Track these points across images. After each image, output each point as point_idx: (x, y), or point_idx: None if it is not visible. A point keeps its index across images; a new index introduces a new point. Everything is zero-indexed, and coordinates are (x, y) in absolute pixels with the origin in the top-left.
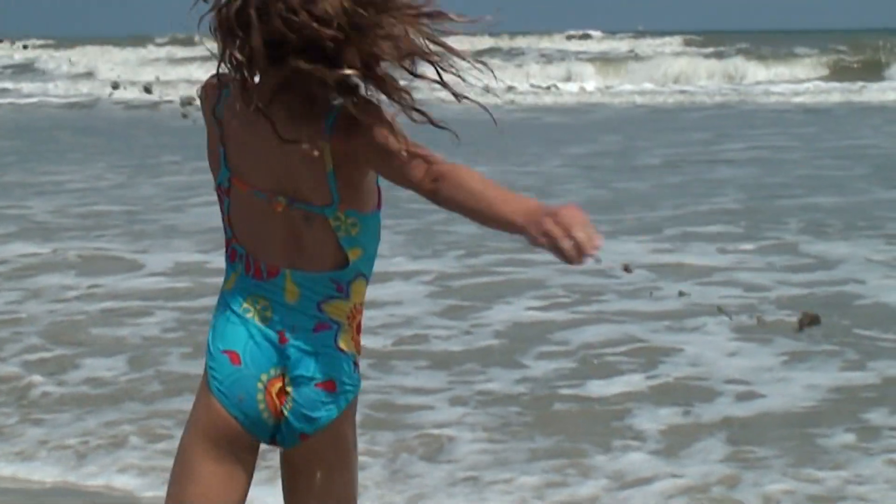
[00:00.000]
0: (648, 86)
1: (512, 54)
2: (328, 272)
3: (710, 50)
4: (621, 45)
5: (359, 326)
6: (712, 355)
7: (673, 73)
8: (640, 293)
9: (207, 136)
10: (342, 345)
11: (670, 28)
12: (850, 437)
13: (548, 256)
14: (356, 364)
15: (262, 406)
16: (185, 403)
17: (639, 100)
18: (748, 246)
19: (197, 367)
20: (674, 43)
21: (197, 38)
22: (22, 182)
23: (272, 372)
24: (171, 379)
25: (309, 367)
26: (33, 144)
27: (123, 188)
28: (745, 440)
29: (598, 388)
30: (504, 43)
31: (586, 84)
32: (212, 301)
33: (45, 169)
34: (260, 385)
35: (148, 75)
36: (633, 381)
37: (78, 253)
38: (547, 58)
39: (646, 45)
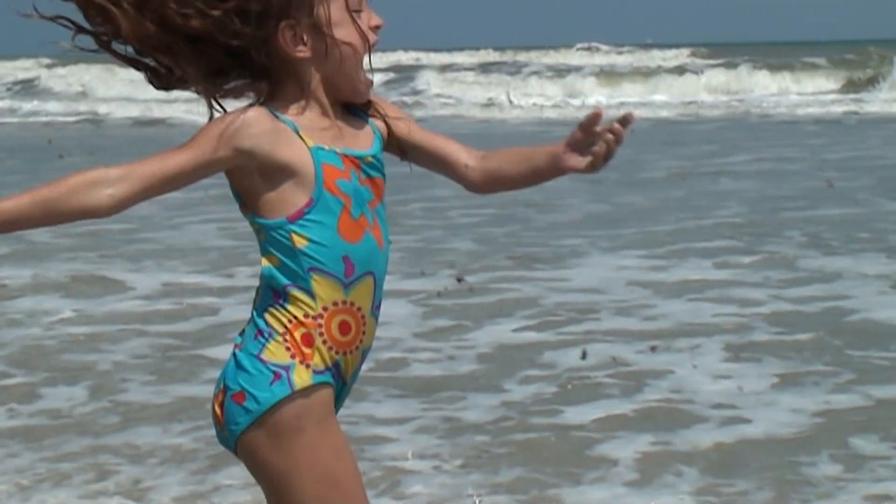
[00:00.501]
0: (656, 98)
1: (517, 68)
2: (264, 279)
3: (718, 61)
4: (629, 58)
5: (305, 338)
6: (699, 378)
7: (680, 85)
8: (634, 311)
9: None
10: (267, 355)
11: (678, 40)
12: (835, 468)
13: (545, 273)
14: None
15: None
16: (135, 437)
17: (646, 113)
18: (746, 260)
19: (157, 397)
20: (681, 55)
21: None
22: None
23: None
24: (128, 410)
25: (222, 376)
26: (37, 162)
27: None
28: (724, 470)
29: (575, 414)
30: (509, 57)
31: (594, 97)
32: (190, 324)
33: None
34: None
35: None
36: (614, 407)
37: (66, 275)
38: (554, 71)
39: (653, 57)
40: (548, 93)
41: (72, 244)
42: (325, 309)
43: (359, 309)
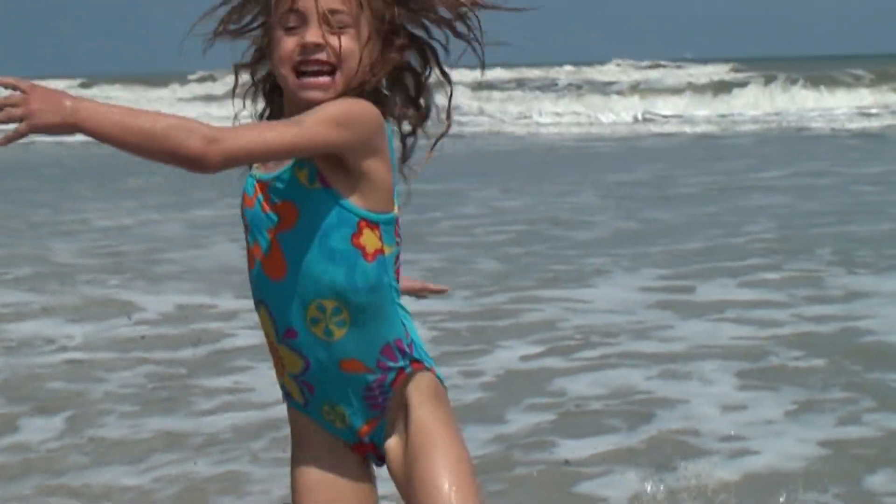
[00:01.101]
0: (693, 113)
1: (553, 83)
2: None
3: (757, 75)
4: (666, 72)
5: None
6: (709, 407)
7: (718, 99)
8: (651, 333)
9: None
10: None
11: (717, 55)
12: None
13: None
14: None
15: None
16: (97, 476)
17: (684, 128)
18: (772, 278)
19: (133, 432)
20: (720, 70)
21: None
22: (51, 221)
23: None
24: (98, 447)
25: None
26: (68, 182)
27: (150, 226)
28: None
29: (575, 446)
30: (546, 73)
31: (633, 113)
32: (194, 352)
33: (76, 207)
34: None
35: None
36: (616, 439)
37: (80, 297)
38: (591, 86)
39: (692, 72)
40: (580, 109)
41: (95, 265)
42: None
43: (267, 336)
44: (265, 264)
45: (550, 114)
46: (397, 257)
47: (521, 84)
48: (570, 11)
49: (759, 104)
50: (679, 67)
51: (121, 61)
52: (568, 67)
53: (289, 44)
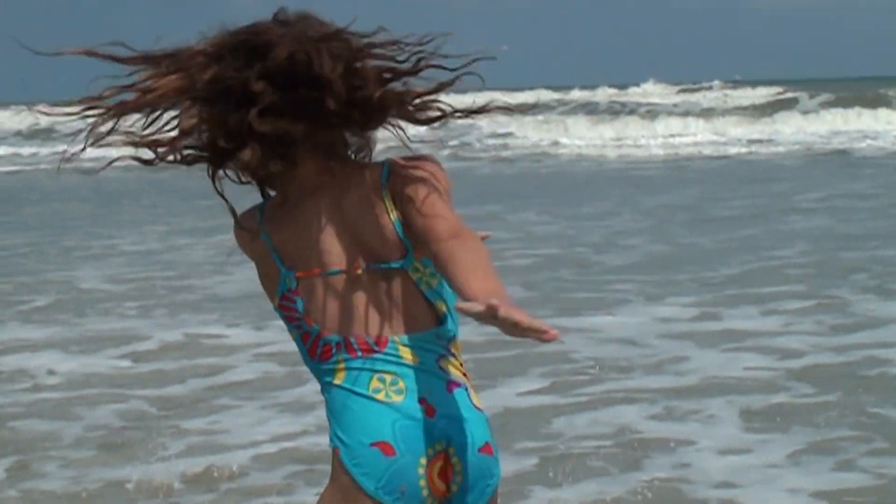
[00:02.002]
0: (741, 135)
1: (597, 106)
2: (431, 329)
3: (804, 97)
4: (715, 94)
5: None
6: (707, 450)
7: (764, 121)
8: (664, 366)
9: (258, 267)
10: (477, 403)
11: (768, 77)
12: None
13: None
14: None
15: (425, 493)
16: None
17: (730, 150)
18: (799, 305)
19: (73, 484)
20: (769, 92)
21: None
22: (82, 245)
23: (430, 452)
24: (36, 499)
25: (466, 434)
26: (101, 206)
27: (178, 251)
28: None
29: (557, 494)
30: (590, 96)
31: (677, 135)
32: (183, 388)
33: (108, 231)
34: (420, 470)
35: None
36: (602, 487)
37: (85, 330)
38: (637, 108)
39: (740, 95)
40: (622, 131)
41: (118, 292)
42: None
43: None
44: None
45: (591, 136)
46: (304, 336)
47: (563, 104)
48: (611, 33)
49: (806, 125)
50: (733, 88)
51: None
52: (611, 90)
53: None
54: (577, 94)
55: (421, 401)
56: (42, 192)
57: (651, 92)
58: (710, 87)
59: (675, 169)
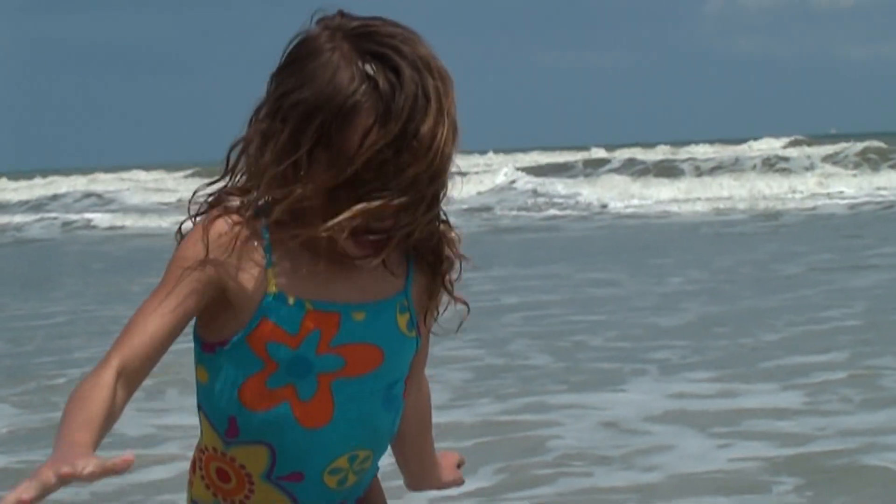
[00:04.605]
0: (840, 189)
1: (682, 163)
2: None
3: None
4: (808, 150)
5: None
6: None
7: (859, 175)
8: (644, 456)
9: None
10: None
11: (864, 130)
12: None
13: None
14: None
15: None
16: None
17: (820, 203)
18: (826, 378)
19: None
20: (857, 147)
21: None
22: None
23: None
24: None
25: None
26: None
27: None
28: None
29: None
30: (674, 152)
31: (766, 189)
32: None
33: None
34: None
35: None
36: None
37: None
38: (728, 164)
39: (835, 149)
40: (710, 187)
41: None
42: (206, 448)
43: (242, 467)
44: (297, 409)
45: (682, 194)
46: None
47: (631, 164)
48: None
49: None
50: (824, 142)
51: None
52: (703, 146)
53: None
54: (665, 150)
55: None
56: None
57: (752, 147)
58: (807, 140)
59: (762, 225)
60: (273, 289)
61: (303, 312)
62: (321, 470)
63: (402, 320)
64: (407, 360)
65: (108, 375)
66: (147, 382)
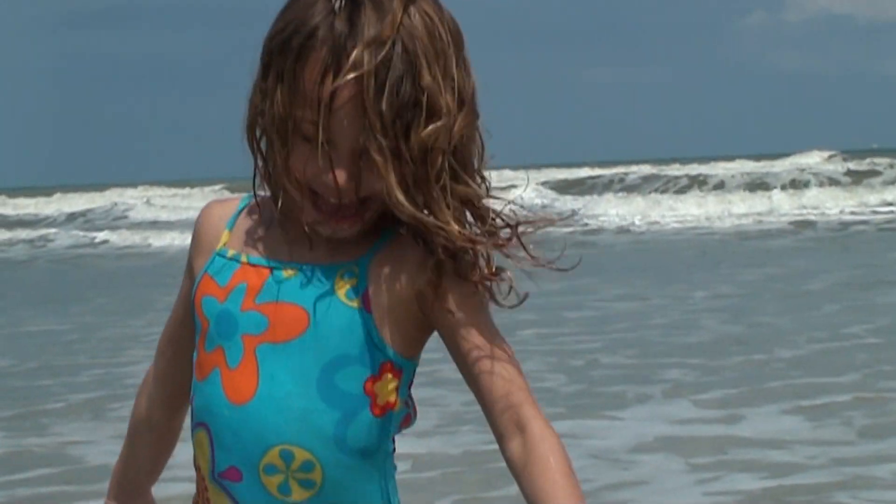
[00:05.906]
0: (873, 205)
1: (717, 177)
2: None
3: None
4: (850, 165)
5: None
6: None
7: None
8: (619, 492)
9: None
10: None
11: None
12: None
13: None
14: None
15: None
16: None
17: (853, 217)
18: (832, 400)
19: None
20: None
21: None
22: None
23: None
24: None
25: None
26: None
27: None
28: None
29: None
30: (698, 168)
31: (817, 207)
32: None
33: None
34: None
35: None
36: None
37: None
38: (765, 180)
39: (876, 164)
40: (740, 204)
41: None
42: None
43: (198, 468)
44: (226, 379)
45: (715, 209)
46: (403, 420)
47: (668, 182)
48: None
49: None
50: (865, 157)
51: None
52: (735, 162)
53: None
54: (697, 167)
55: None
56: None
57: (794, 162)
58: (845, 157)
59: (793, 241)
60: (220, 245)
61: (236, 266)
62: (256, 463)
63: (343, 285)
64: (348, 338)
65: None
66: None
